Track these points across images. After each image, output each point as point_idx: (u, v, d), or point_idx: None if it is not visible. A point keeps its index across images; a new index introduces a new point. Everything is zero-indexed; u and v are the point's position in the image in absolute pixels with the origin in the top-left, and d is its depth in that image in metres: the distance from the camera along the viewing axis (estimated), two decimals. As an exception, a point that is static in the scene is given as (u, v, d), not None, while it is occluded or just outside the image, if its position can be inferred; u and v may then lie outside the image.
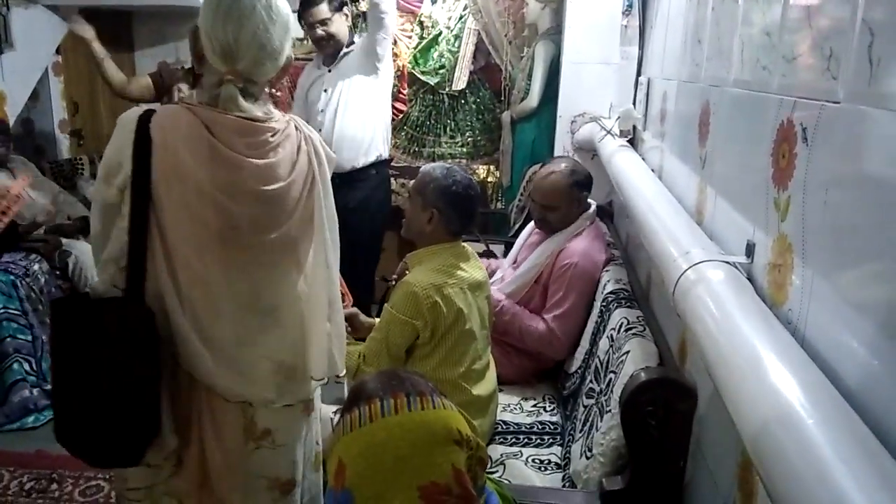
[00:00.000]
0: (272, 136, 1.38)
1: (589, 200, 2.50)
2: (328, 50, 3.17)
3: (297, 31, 4.03)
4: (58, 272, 3.25)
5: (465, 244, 2.04)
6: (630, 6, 2.60)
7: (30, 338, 2.95)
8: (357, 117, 3.18)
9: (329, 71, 3.22)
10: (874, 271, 0.78)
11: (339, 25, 3.11)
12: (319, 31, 3.07)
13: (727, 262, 1.16)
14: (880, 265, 0.76)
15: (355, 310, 2.11)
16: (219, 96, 1.34)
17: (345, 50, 3.20)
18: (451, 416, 0.90)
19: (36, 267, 3.11)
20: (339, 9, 3.10)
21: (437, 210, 1.94)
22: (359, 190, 3.21)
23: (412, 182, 2.05)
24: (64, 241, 3.31)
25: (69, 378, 1.34)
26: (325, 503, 0.93)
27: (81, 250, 3.32)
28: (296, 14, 2.72)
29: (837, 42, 0.88)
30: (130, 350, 1.31)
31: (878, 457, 0.64)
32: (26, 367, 2.93)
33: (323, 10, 3.03)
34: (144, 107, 1.36)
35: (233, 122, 1.34)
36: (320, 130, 3.07)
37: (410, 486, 0.82)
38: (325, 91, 3.19)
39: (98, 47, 3.15)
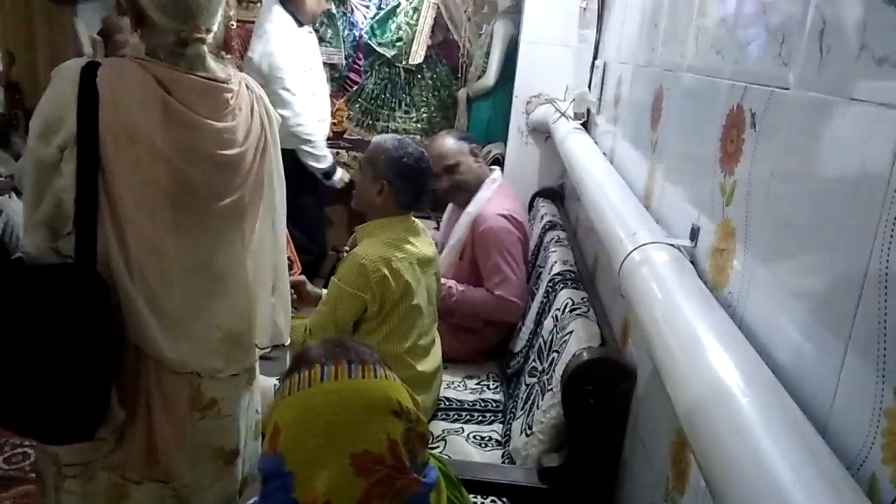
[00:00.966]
0: (231, 98, 1.33)
1: (492, 167, 2.62)
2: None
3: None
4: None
5: (415, 219, 2.02)
6: (590, -11, 2.59)
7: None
8: None
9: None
10: (809, 258, 0.79)
11: None
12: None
13: (672, 245, 1.17)
14: (814, 253, 0.78)
15: (303, 278, 2.07)
16: (179, 56, 1.27)
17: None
18: (392, 387, 0.89)
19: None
20: None
21: (387, 181, 1.91)
22: None
23: (363, 154, 2.02)
24: (-5, 199, 3.15)
25: (9, 352, 1.25)
26: (258, 467, 0.90)
27: (14, 210, 3.16)
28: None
29: (790, 29, 0.88)
30: (81, 321, 1.23)
31: (808, 435, 0.66)
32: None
33: None
34: (85, 59, 1.27)
35: (195, 82, 1.28)
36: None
37: (342, 453, 0.81)
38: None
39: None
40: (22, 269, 1.30)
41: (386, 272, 1.84)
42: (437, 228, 3.23)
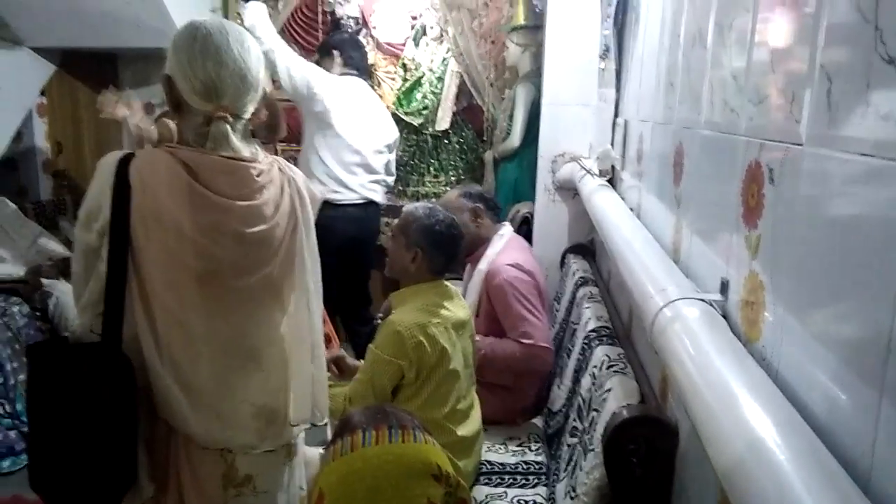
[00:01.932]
0: (258, 175, 1.38)
1: (504, 223, 2.64)
2: None
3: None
4: (38, 313, 3.22)
5: (448, 283, 2.05)
6: (607, 50, 2.67)
7: (1, 379, 2.90)
8: None
9: None
10: (837, 308, 0.80)
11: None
12: None
13: (702, 300, 1.17)
14: (842, 302, 0.78)
15: (342, 352, 2.11)
16: (206, 136, 1.34)
17: None
18: (431, 451, 0.91)
19: (15, 309, 3.08)
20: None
21: (420, 249, 1.96)
22: None
23: (395, 221, 2.07)
24: (45, 282, 3.28)
25: (45, 424, 1.32)
26: None
27: (62, 291, 3.29)
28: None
29: (799, 87, 0.91)
30: (107, 397, 1.29)
31: (846, 491, 0.65)
32: (-1, 409, 2.88)
33: None
34: (125, 150, 1.36)
35: (218, 163, 1.34)
36: None
37: None
38: None
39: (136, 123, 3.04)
40: (60, 347, 1.37)
41: (422, 338, 1.86)
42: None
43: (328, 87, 3.17)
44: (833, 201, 0.81)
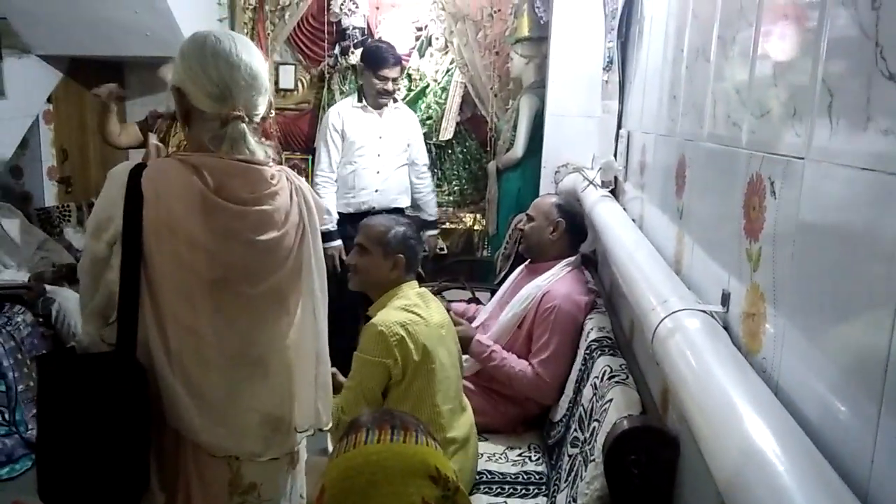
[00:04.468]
0: (271, 178, 1.40)
1: (577, 255, 2.58)
2: (384, 100, 3.57)
3: (284, 81, 4.15)
4: (41, 319, 3.22)
5: (423, 287, 2.13)
6: (610, 62, 2.68)
7: (3, 388, 2.91)
8: (397, 163, 3.61)
9: (381, 119, 3.60)
10: (837, 320, 0.80)
11: (398, 84, 3.71)
12: (389, 86, 3.53)
13: (704, 311, 1.18)
14: (842, 315, 0.79)
15: (333, 369, 2.11)
16: (222, 139, 1.35)
17: (392, 105, 3.62)
18: (431, 453, 0.93)
19: (19, 318, 3.09)
20: (403, 70, 3.72)
21: (401, 255, 2.03)
22: None
23: (360, 236, 2.10)
24: (48, 288, 3.29)
25: (56, 434, 1.32)
26: None
27: (65, 297, 3.30)
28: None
29: (801, 100, 0.92)
30: (121, 407, 1.29)
31: (846, 503, 0.65)
32: (-2, 417, 2.88)
33: (396, 70, 3.54)
34: (136, 161, 1.37)
35: (233, 166, 1.35)
36: (364, 169, 3.52)
37: None
38: (380, 137, 3.57)
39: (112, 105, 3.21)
40: (71, 357, 1.38)
41: (403, 334, 1.90)
42: (472, 300, 3.27)
43: None
44: (834, 214, 0.82)
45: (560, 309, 2.33)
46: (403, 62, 3.59)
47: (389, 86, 3.50)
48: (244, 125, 1.36)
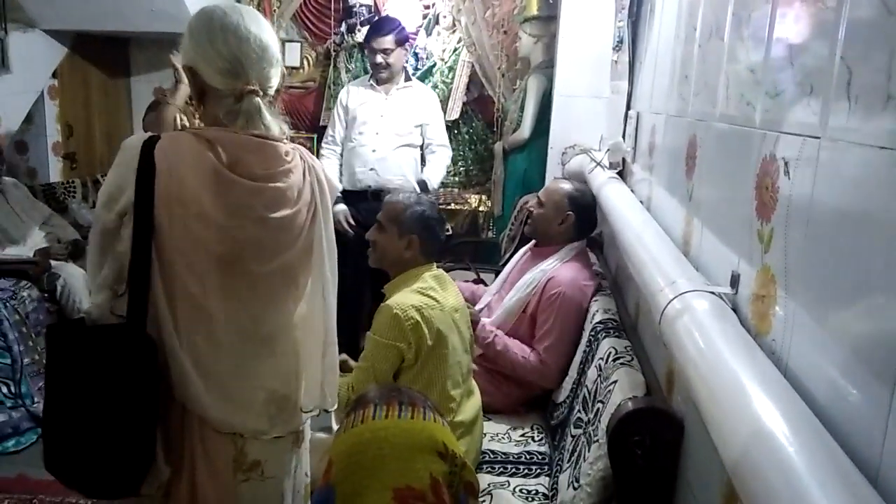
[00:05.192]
0: (286, 155, 1.39)
1: (583, 241, 2.54)
2: (382, 75, 3.46)
3: (290, 59, 4.12)
4: (46, 295, 3.23)
5: (441, 270, 2.09)
6: (620, 42, 2.65)
7: (9, 361, 2.92)
8: (397, 143, 3.47)
9: (386, 98, 3.50)
10: (849, 303, 0.79)
11: (398, 58, 3.45)
12: (379, 58, 3.41)
13: (712, 293, 1.17)
14: (854, 297, 0.78)
15: (344, 355, 2.11)
16: (237, 114, 1.34)
17: (403, 84, 3.52)
18: (439, 430, 0.93)
19: (25, 293, 3.10)
20: (401, 43, 3.44)
21: (416, 235, 1.99)
22: None
23: (381, 212, 2.08)
24: (53, 263, 3.30)
25: (65, 406, 1.32)
26: (311, 500, 0.97)
27: (70, 273, 3.31)
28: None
29: (818, 79, 0.90)
30: (131, 379, 1.29)
31: (856, 484, 0.65)
32: (4, 390, 2.89)
33: (388, 40, 3.39)
34: (148, 133, 1.35)
35: (248, 141, 1.34)
36: (362, 147, 3.45)
37: (385, 487, 0.85)
38: (382, 116, 3.47)
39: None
40: (81, 328, 1.37)
41: (418, 318, 1.88)
42: (477, 280, 3.26)
43: None
44: (849, 195, 0.80)
45: (565, 295, 2.32)
46: (402, 35, 3.45)
47: (379, 58, 3.39)
48: (258, 99, 1.35)
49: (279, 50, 1.41)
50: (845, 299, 0.81)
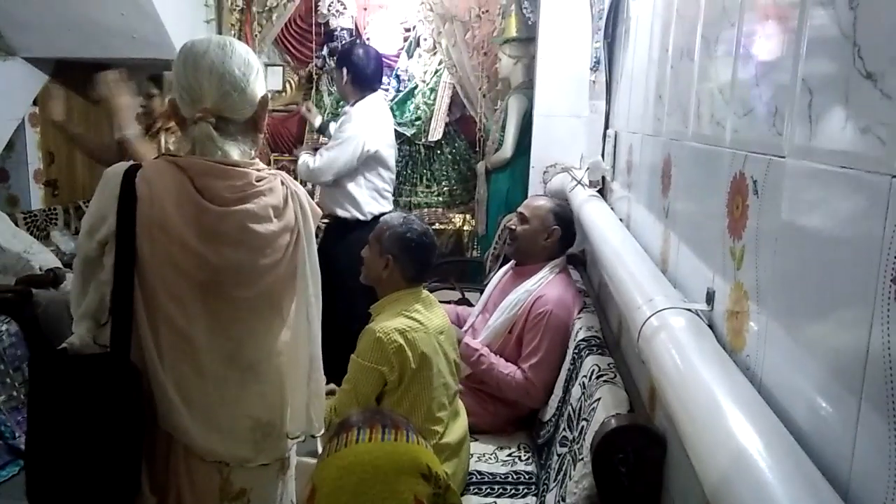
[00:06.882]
0: (257, 181, 1.38)
1: (563, 257, 2.56)
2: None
3: (272, 82, 4.13)
4: (26, 325, 3.19)
5: (426, 292, 2.08)
6: (597, 62, 2.69)
7: (-14, 397, 2.88)
8: None
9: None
10: (819, 318, 0.81)
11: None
12: None
13: (689, 310, 1.18)
14: (823, 312, 0.79)
15: (331, 385, 2.10)
16: (192, 141, 1.35)
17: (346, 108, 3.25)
18: (422, 452, 0.93)
19: (3, 328, 3.06)
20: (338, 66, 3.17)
21: (392, 256, 2.00)
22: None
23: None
24: (35, 291, 3.26)
25: (48, 436, 1.31)
26: None
27: (52, 300, 3.28)
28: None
29: (781, 100, 0.93)
30: (115, 408, 1.28)
31: (827, 500, 0.66)
32: (-20, 424, 2.85)
33: None
34: (130, 161, 1.36)
35: (213, 168, 1.34)
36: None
37: None
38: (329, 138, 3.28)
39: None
40: (63, 359, 1.36)
41: (402, 342, 1.88)
42: (461, 300, 3.27)
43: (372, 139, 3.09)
44: (814, 213, 0.82)
45: (552, 314, 2.32)
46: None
47: None
48: (209, 126, 1.34)
49: (256, 75, 1.41)
50: (814, 315, 0.82)
